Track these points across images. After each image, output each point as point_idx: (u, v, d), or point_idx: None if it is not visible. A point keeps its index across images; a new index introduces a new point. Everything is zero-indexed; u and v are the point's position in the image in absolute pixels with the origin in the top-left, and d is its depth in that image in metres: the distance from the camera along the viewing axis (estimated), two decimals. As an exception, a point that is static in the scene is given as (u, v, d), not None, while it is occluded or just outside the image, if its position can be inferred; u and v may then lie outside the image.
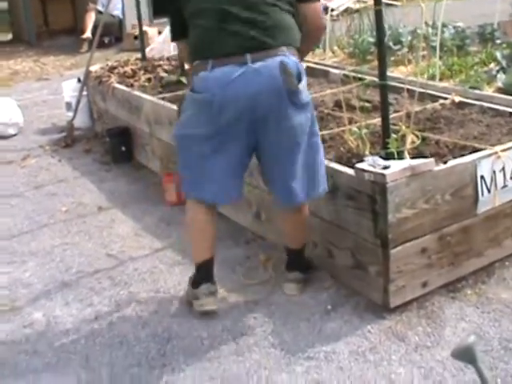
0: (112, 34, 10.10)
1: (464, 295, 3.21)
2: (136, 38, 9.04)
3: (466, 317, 3.06)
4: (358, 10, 8.10)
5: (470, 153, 3.28)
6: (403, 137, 3.41)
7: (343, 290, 3.29)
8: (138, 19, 5.69)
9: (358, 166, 3.08)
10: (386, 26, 6.22)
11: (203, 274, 3.21)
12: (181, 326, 3.14)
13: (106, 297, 3.45)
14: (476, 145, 3.36)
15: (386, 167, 2.99)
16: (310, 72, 5.10)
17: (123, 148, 5.16)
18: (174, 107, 4.49)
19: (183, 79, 5.05)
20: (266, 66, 2.88)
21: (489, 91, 4.56)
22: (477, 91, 4.36)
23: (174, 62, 5.62)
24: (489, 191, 3.25)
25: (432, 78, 5.03)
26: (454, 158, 3.23)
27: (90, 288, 3.56)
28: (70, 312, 3.36)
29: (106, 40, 9.91)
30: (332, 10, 8.98)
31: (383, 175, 2.95)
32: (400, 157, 3.20)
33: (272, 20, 2.93)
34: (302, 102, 2.96)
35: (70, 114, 5.83)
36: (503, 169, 3.27)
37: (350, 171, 3.14)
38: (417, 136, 3.40)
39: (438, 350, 2.85)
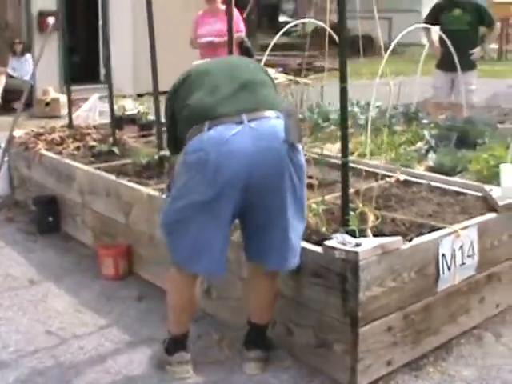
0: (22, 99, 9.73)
1: (426, 373, 3.21)
2: (47, 104, 8.87)
3: (430, 396, 3.06)
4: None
5: (430, 231, 3.33)
6: (361, 214, 3.45)
7: (304, 370, 3.21)
8: (67, 88, 5.56)
9: (327, 243, 3.07)
10: (313, 103, 6.50)
11: (179, 344, 3.16)
12: (140, 410, 2.97)
13: (52, 377, 3.21)
14: (433, 223, 3.42)
15: (357, 245, 2.99)
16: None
17: (50, 218, 4.93)
18: (112, 177, 4.38)
19: (115, 149, 4.93)
20: (263, 124, 2.87)
21: (420, 169, 4.71)
22: (414, 170, 4.49)
23: (102, 131, 5.49)
24: (449, 269, 3.30)
25: (363, 155, 5.15)
26: (416, 236, 3.27)
27: (31, 368, 3.30)
28: (12, 395, 3.11)
29: (16, 105, 9.55)
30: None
31: (356, 253, 2.94)
32: (361, 235, 3.21)
33: (262, 93, 3.00)
34: (300, 163, 2.94)
35: (-12, 181, 5.55)
36: (461, 247, 3.35)
37: (317, 248, 3.12)
38: (375, 215, 3.44)
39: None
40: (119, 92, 7.52)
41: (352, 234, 3.19)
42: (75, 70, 7.47)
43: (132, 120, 5.71)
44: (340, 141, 3.34)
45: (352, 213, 3.37)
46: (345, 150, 3.33)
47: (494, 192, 3.71)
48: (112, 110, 5.02)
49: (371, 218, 3.37)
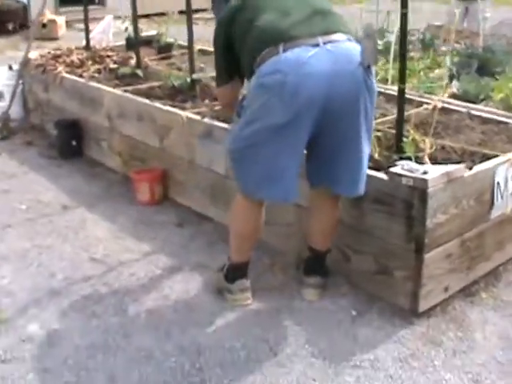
0: (17, 20, 9.42)
1: (480, 299, 3.25)
2: (44, 26, 8.60)
3: (489, 320, 3.11)
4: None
5: (482, 160, 3.32)
6: (413, 141, 3.43)
7: (362, 296, 3.23)
8: (85, 7, 5.36)
9: (393, 170, 3.05)
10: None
11: (240, 272, 3.16)
12: (208, 337, 2.96)
13: (109, 305, 3.19)
14: (485, 151, 3.42)
15: (425, 172, 2.98)
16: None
17: (73, 142, 4.82)
18: (144, 100, 4.28)
19: (139, 72, 4.80)
20: (338, 47, 2.80)
21: (444, 96, 4.68)
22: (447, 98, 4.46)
23: (120, 53, 5.33)
24: (502, 197, 3.32)
25: (385, 81, 5.09)
26: (473, 164, 3.26)
27: (85, 296, 3.27)
28: (71, 324, 3.07)
29: (11, 26, 9.25)
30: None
31: (424, 180, 2.93)
32: (418, 162, 3.20)
33: (333, 18, 2.94)
34: (373, 86, 2.89)
35: (2, 103, 5.37)
36: (513, 176, 3.36)
37: (380, 175, 3.10)
38: (430, 142, 3.41)
39: (476, 355, 2.87)
40: (115, 13, 7.31)
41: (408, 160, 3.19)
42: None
43: (147, 42, 5.53)
44: (402, 65, 3.28)
45: (405, 139, 3.37)
46: (403, 76, 3.29)
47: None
48: (136, 30, 4.84)
49: (427, 145, 3.35)
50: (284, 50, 2.78)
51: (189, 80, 4.36)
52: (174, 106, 4.11)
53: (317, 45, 2.78)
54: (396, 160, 3.26)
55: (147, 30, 5.94)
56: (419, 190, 2.94)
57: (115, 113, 4.48)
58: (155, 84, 4.60)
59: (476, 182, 3.17)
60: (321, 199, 3.13)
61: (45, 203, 4.26)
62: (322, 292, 3.25)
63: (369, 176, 3.10)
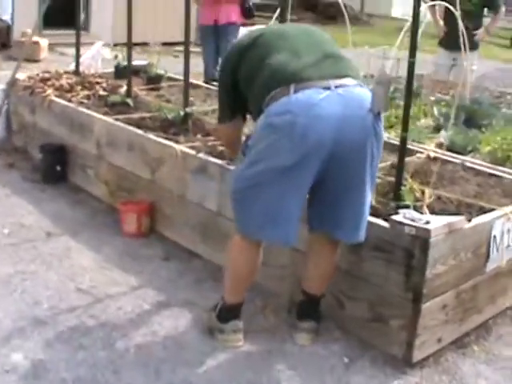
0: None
1: (472, 352, 3.24)
2: (27, 47, 8.53)
3: (481, 374, 3.09)
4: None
5: (479, 213, 3.33)
6: (411, 190, 3.44)
7: (354, 342, 3.19)
8: (77, 33, 5.31)
9: (395, 218, 3.04)
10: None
11: (233, 313, 3.10)
12: (199, 377, 2.89)
13: (97, 339, 3.09)
14: (482, 204, 3.44)
15: (427, 222, 2.98)
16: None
17: (58, 167, 4.72)
18: (137, 131, 4.23)
19: (129, 101, 4.75)
20: (349, 92, 2.80)
21: (431, 146, 4.72)
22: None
23: (109, 81, 5.27)
24: (497, 250, 3.33)
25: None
26: (470, 217, 3.27)
27: (71, 328, 3.17)
28: (57, 355, 2.96)
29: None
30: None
31: (427, 230, 2.93)
32: (417, 212, 3.20)
33: (344, 63, 2.94)
34: (381, 134, 2.90)
35: (-17, 123, 5.27)
36: (509, 230, 3.38)
37: (382, 222, 3.09)
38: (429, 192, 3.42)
39: (468, 410, 2.86)
40: (98, 39, 7.27)
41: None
42: (53, 14, 7.12)
43: (135, 72, 5.50)
44: (406, 114, 3.30)
45: (402, 187, 3.38)
46: (406, 124, 3.31)
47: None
48: (129, 59, 4.80)
49: (427, 194, 3.36)
50: (295, 91, 2.77)
51: (182, 113, 4.32)
52: (168, 139, 4.07)
53: (328, 88, 2.78)
54: (394, 208, 3.27)
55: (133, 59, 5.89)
56: (421, 239, 2.93)
57: (105, 141, 4.41)
58: (146, 115, 4.56)
59: (475, 234, 3.18)
60: (320, 244, 3.10)
61: (27, 228, 4.15)
62: (315, 337, 3.20)
63: (369, 223, 3.09)
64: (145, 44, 7.54)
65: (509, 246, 3.40)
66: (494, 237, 3.30)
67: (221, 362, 3.00)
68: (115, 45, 8.01)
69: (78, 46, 5.40)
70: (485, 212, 3.35)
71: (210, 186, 3.76)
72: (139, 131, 4.20)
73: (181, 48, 9.85)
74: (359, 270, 3.17)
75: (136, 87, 5.11)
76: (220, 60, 7.40)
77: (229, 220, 3.67)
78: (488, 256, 3.29)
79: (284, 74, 2.83)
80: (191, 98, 5.06)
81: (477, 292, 3.30)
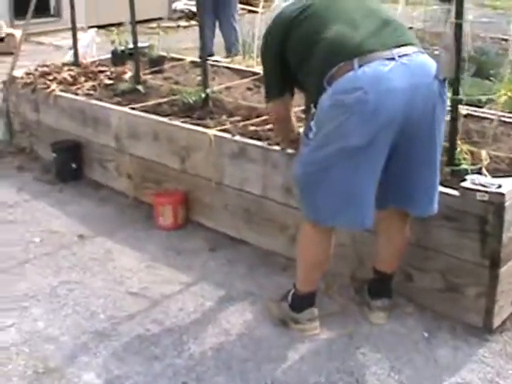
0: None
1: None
2: (1, 40, 8.22)
3: (559, 331, 3.06)
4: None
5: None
6: (463, 153, 3.34)
7: (428, 315, 3.12)
8: (72, 20, 5.03)
9: (465, 185, 2.95)
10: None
11: (308, 301, 3.00)
12: (287, 373, 2.78)
13: (168, 346, 2.96)
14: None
15: (499, 186, 2.89)
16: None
17: (73, 165, 4.53)
18: (160, 119, 4.05)
19: (140, 88, 4.55)
20: (413, 60, 2.66)
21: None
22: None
23: (112, 69, 5.05)
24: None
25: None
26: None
27: (137, 337, 3.04)
28: (132, 369, 2.82)
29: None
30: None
31: (501, 194, 2.84)
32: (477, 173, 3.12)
33: (402, 29, 2.80)
34: (446, 99, 2.78)
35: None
36: None
37: (450, 190, 2.99)
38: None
39: (561, 369, 2.82)
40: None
41: (463, 173, 3.11)
42: (23, 2, 6.81)
43: (131, 55, 5.28)
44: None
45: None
46: (457, 84, 3.19)
47: None
48: (136, 42, 4.57)
49: (484, 156, 3.27)
50: (360, 65, 2.62)
51: (203, 95, 4.14)
52: (196, 125, 3.90)
53: (392, 58, 2.64)
54: (449, 173, 3.18)
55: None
56: (495, 204, 2.85)
57: (125, 132, 4.22)
58: (161, 100, 4.37)
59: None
60: (391, 220, 2.99)
61: (58, 233, 3.97)
62: (389, 314, 3.12)
63: (436, 192, 3.00)
64: (120, 24, 7.26)
65: None
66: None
67: (303, 353, 2.90)
68: (90, 27, 7.71)
69: (74, 35, 5.12)
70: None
71: (250, 169, 3.63)
72: (163, 119, 4.02)
73: (155, 25, 9.69)
74: (428, 241, 3.08)
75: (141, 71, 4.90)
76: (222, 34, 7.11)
77: (275, 202, 3.57)
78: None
79: (345, 47, 2.68)
80: (198, 78, 4.91)
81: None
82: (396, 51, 2.66)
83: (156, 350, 2.94)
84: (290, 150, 3.44)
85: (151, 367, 2.84)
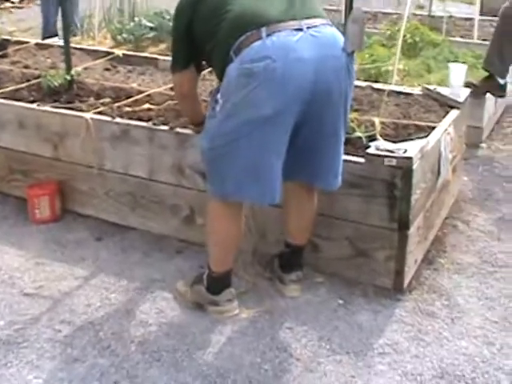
0: None
1: (441, 265, 3.38)
2: None
3: (459, 284, 3.23)
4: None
5: (419, 131, 3.39)
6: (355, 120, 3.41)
7: (338, 282, 3.17)
8: None
9: (370, 151, 3.01)
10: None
11: (225, 281, 2.93)
12: (221, 359, 2.70)
13: (86, 346, 2.74)
14: (416, 123, 3.49)
15: (405, 150, 2.98)
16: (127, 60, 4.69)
17: None
18: (27, 105, 3.74)
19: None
20: (322, 32, 2.65)
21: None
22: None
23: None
24: (443, 165, 3.43)
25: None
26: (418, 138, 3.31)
27: (49, 340, 2.78)
28: (55, 375, 2.58)
29: None
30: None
31: (409, 158, 2.93)
32: (371, 141, 3.20)
33: (311, 2, 2.77)
34: (354, 73, 2.79)
35: None
36: (447, 144, 3.49)
37: (355, 158, 3.04)
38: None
39: (471, 319, 2.97)
40: None
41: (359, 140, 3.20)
42: None
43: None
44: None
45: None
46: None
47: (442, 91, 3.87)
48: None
49: (377, 122, 3.35)
50: (267, 35, 2.57)
51: (69, 78, 3.87)
52: (68, 109, 3.64)
53: (300, 29, 2.62)
54: (344, 141, 3.23)
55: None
56: (403, 168, 2.94)
57: (-17, 123, 3.85)
58: (19, 86, 4.02)
59: (433, 154, 3.26)
60: (298, 193, 2.98)
61: None
62: (302, 286, 3.13)
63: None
64: None
65: (448, 159, 3.54)
66: (440, 153, 3.40)
67: (229, 335, 2.83)
68: None
69: None
70: (422, 130, 3.42)
71: (134, 151, 3.46)
72: (30, 105, 3.71)
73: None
74: (334, 211, 3.12)
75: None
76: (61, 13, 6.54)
77: (165, 184, 3.44)
78: (439, 172, 3.40)
79: (252, 16, 2.62)
80: (48, 60, 4.61)
81: (432, 209, 3.41)
82: (304, 22, 2.64)
83: (74, 352, 2.72)
84: (179, 129, 3.34)
85: (74, 370, 2.63)
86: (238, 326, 2.88)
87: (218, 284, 2.93)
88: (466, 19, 7.24)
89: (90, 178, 3.63)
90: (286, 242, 3.11)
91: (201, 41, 2.79)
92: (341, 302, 3.07)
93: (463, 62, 4.67)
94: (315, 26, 2.66)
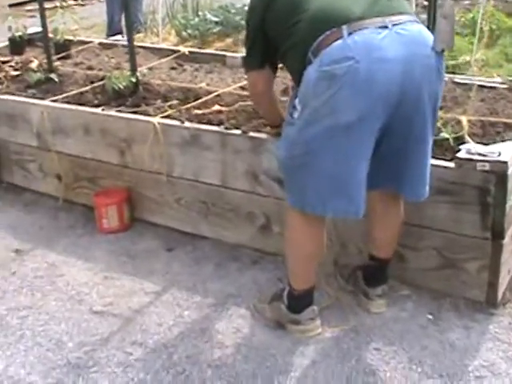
0: None
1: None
2: None
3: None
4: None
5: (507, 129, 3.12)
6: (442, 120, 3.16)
7: (425, 295, 2.95)
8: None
9: (461, 156, 2.76)
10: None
11: (308, 299, 2.74)
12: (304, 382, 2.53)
13: (158, 370, 2.60)
14: (504, 120, 3.21)
15: (499, 154, 2.72)
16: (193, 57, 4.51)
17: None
18: (91, 110, 3.62)
19: (53, 76, 4.04)
20: (408, 29, 2.41)
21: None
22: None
23: (16, 58, 4.48)
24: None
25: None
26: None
27: (120, 364, 2.64)
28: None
29: None
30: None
31: (504, 162, 2.68)
32: (459, 143, 2.95)
33: None
34: (443, 72, 2.54)
35: None
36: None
37: (445, 163, 2.80)
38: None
39: None
40: None
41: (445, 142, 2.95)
42: None
43: (29, 41, 4.75)
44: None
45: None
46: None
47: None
48: (45, 28, 4.04)
49: (464, 122, 3.09)
50: (349, 33, 2.34)
51: (134, 80, 3.72)
52: (134, 113, 3.50)
53: (385, 27, 2.37)
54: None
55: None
56: (497, 173, 2.68)
57: (48, 128, 3.72)
58: (83, 89, 3.90)
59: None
60: (384, 204, 2.76)
61: (-7, 248, 3.47)
62: (387, 300, 2.92)
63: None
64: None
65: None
66: (535, 152, 3.13)
67: (312, 356, 2.63)
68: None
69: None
70: (511, 128, 3.14)
71: (206, 157, 3.29)
72: (95, 110, 3.58)
73: (32, 7, 8.85)
74: (421, 219, 2.89)
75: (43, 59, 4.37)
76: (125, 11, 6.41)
77: (238, 191, 3.27)
78: (531, 173, 3.12)
79: (332, 14, 2.39)
80: (112, 60, 4.48)
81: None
82: (389, 19, 2.40)
83: (147, 377, 2.57)
84: (252, 133, 3.16)
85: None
86: (321, 347, 2.69)
87: (299, 302, 2.74)
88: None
89: (159, 186, 3.48)
90: (370, 254, 2.90)
91: (275, 41, 2.59)
92: (430, 317, 2.85)
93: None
94: (401, 23, 2.41)
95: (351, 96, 2.34)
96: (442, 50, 2.50)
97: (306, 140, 2.45)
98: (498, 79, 3.89)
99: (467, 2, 6.54)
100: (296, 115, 2.50)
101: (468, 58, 4.51)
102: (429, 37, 2.47)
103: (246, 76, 2.89)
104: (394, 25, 2.39)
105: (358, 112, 2.36)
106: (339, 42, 2.35)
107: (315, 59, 2.40)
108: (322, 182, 2.48)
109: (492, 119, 3.21)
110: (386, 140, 2.51)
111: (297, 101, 2.50)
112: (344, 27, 2.36)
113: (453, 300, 2.91)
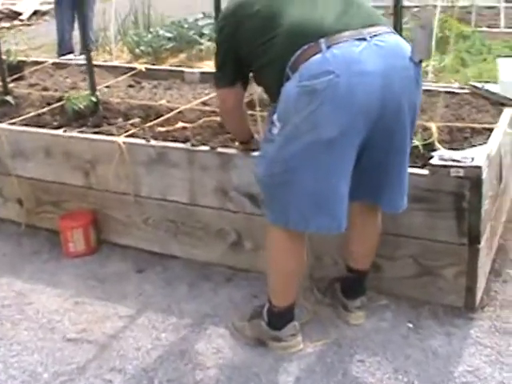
0: None
1: (509, 276, 3.12)
2: None
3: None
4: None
5: (475, 135, 3.15)
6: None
7: (404, 304, 2.94)
8: None
9: (434, 162, 2.76)
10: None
11: (289, 316, 2.70)
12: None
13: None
14: (472, 125, 3.24)
15: (473, 159, 2.74)
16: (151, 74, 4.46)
17: None
18: (52, 132, 3.52)
19: (9, 99, 3.94)
20: (386, 40, 2.39)
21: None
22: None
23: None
24: (503, 168, 3.20)
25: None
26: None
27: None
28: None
29: None
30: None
31: (478, 167, 2.69)
32: (429, 149, 2.96)
33: (368, 7, 2.53)
34: (421, 83, 2.53)
35: None
36: (505, 145, 3.24)
37: (418, 170, 2.80)
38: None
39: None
40: None
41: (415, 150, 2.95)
42: None
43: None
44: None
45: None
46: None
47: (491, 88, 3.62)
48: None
49: (434, 129, 3.11)
50: (327, 47, 2.32)
51: (94, 100, 3.64)
52: (97, 133, 3.42)
53: (363, 39, 2.35)
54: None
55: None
56: (472, 178, 2.69)
57: (8, 152, 3.61)
58: (41, 111, 3.80)
59: (496, 159, 3.00)
60: (362, 215, 2.73)
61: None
62: (366, 312, 2.90)
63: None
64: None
65: (508, 161, 3.30)
66: (501, 156, 3.16)
67: (296, 373, 2.59)
68: None
69: None
70: (479, 133, 3.18)
71: (173, 175, 3.23)
72: (57, 132, 3.49)
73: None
74: (396, 228, 2.88)
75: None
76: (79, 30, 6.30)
77: (207, 208, 3.21)
78: (501, 177, 3.15)
79: (308, 27, 2.36)
80: (68, 80, 4.39)
81: (495, 216, 3.16)
82: (367, 31, 2.38)
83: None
84: (220, 149, 3.12)
85: None
86: (304, 363, 2.65)
87: (280, 319, 2.70)
88: (490, 8, 7.00)
89: (126, 206, 3.40)
90: (347, 266, 2.87)
91: (248, 59, 2.54)
92: (410, 325, 2.84)
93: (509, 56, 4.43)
94: (379, 35, 2.40)
95: (332, 111, 2.31)
96: (420, 61, 2.50)
97: (286, 157, 2.42)
98: (457, 84, 3.95)
99: (415, 9, 6.63)
100: (275, 131, 2.45)
101: (424, 65, 4.55)
102: (406, 48, 2.46)
103: (216, 92, 2.82)
104: (372, 36, 2.38)
105: (339, 127, 2.33)
106: (318, 56, 2.32)
107: (294, 74, 2.36)
108: (304, 200, 2.44)
109: (459, 125, 3.24)
110: (367, 153, 2.49)
111: (275, 117, 2.46)
112: (322, 41, 2.33)
113: (431, 307, 2.91)
